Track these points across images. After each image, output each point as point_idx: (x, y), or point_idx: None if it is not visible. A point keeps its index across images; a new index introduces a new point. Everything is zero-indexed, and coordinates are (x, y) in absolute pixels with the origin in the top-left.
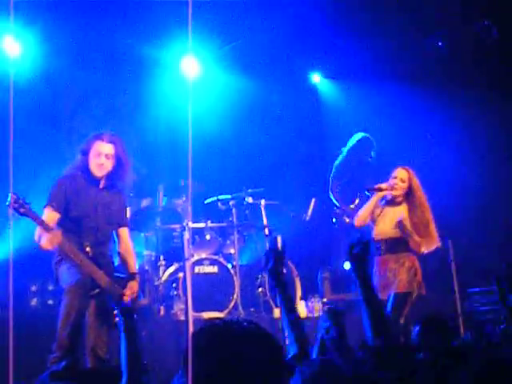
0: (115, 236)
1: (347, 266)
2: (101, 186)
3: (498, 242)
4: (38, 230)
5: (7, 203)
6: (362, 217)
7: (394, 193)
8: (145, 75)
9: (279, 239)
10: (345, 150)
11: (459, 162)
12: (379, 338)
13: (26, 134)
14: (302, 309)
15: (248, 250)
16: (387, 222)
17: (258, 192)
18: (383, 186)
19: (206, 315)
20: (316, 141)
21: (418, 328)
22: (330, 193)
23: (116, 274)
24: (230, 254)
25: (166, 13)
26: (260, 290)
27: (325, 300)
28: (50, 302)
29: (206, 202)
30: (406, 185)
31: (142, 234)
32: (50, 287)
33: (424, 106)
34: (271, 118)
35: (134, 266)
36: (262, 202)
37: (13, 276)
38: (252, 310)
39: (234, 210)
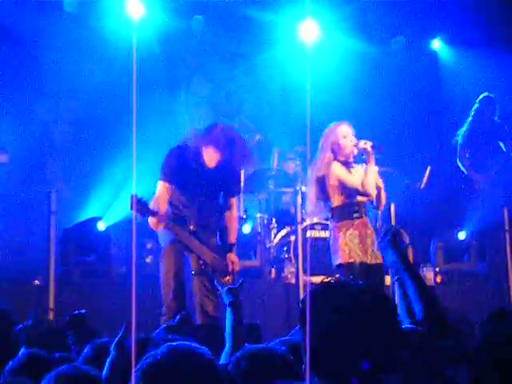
0: (222, 202)
1: (462, 235)
2: None
3: None
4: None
5: (130, 207)
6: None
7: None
8: (261, 39)
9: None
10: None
11: None
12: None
13: (143, 97)
14: None
15: None
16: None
17: None
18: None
19: (316, 279)
20: (433, 108)
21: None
22: (458, 161)
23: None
24: None
25: None
26: None
27: (437, 269)
28: None
29: None
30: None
31: (255, 197)
32: None
33: None
34: (389, 83)
35: (234, 236)
36: (376, 168)
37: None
38: None
39: None
